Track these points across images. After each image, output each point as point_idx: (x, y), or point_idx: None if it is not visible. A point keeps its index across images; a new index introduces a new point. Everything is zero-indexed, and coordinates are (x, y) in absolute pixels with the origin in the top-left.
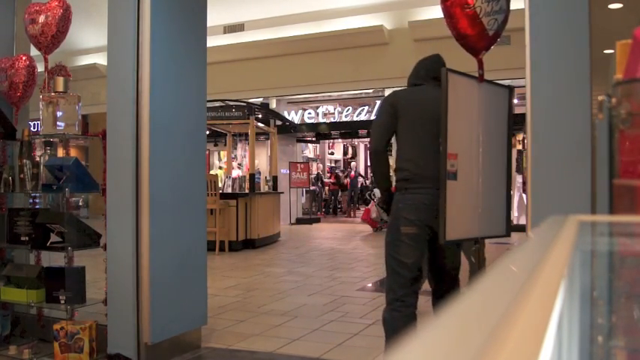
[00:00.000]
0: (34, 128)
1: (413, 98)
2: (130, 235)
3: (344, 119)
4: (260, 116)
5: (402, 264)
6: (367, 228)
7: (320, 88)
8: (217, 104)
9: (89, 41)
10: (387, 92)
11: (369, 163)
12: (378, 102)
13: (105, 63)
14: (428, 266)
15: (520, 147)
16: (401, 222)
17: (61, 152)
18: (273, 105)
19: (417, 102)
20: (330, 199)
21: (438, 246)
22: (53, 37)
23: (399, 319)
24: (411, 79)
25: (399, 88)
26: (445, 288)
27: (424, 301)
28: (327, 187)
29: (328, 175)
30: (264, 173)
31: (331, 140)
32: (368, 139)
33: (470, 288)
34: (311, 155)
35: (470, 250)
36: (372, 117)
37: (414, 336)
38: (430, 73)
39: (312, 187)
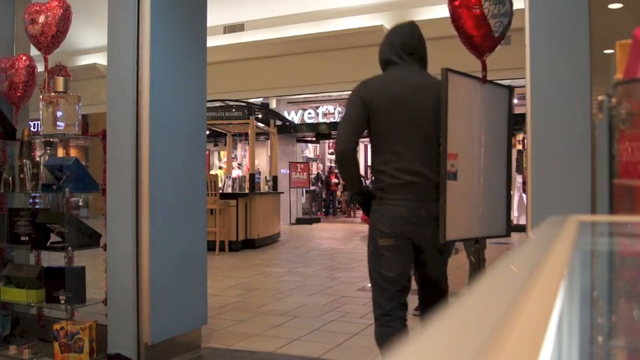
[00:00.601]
0: (34, 128)
1: (387, 89)
2: (130, 235)
3: None
4: (260, 116)
5: (384, 278)
6: (367, 228)
7: (320, 88)
8: (217, 104)
9: (89, 41)
10: None
11: (336, 166)
12: None
13: (105, 63)
14: (415, 275)
15: (520, 147)
16: (377, 234)
17: (61, 152)
18: (273, 105)
19: (392, 94)
20: (329, 199)
21: (421, 256)
22: (53, 37)
23: (389, 335)
24: (384, 53)
25: (370, 77)
26: (432, 297)
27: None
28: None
29: (327, 174)
30: (264, 173)
31: (331, 140)
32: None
33: (470, 288)
34: (311, 155)
35: (470, 250)
36: None
37: (414, 336)
38: (407, 48)
39: (312, 187)
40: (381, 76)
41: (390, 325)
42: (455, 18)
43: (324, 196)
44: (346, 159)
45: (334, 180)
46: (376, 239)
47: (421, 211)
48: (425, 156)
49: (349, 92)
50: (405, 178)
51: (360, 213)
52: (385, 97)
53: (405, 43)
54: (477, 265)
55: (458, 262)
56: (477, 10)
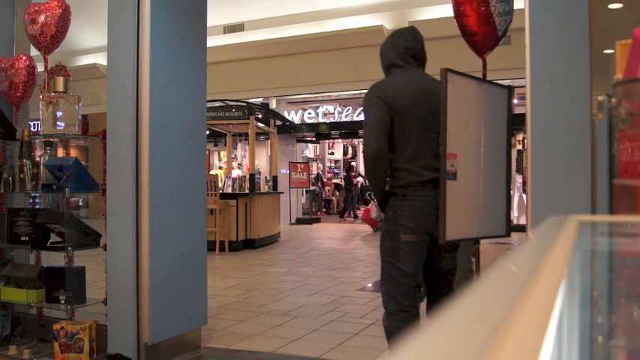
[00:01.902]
0: (34, 128)
1: (405, 90)
2: (130, 235)
3: (344, 119)
4: (260, 116)
5: (403, 272)
6: (367, 228)
7: (320, 88)
8: (217, 104)
9: (89, 41)
10: None
11: (364, 168)
12: None
13: (105, 63)
14: (422, 271)
15: (520, 147)
16: (400, 229)
17: (61, 152)
18: (273, 105)
19: (410, 94)
20: (352, 199)
21: (435, 250)
22: (52, 37)
23: (405, 331)
24: (388, 57)
25: (382, 80)
26: (440, 293)
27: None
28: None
29: (347, 171)
30: (264, 173)
31: (331, 140)
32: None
33: (468, 289)
34: (311, 155)
35: (464, 252)
36: None
37: (415, 336)
38: (410, 51)
39: (312, 187)
40: (393, 79)
41: (407, 321)
42: (459, 14)
43: (324, 195)
44: (380, 159)
45: (359, 179)
46: (398, 234)
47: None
48: (437, 153)
49: (349, 92)
50: (427, 175)
51: (359, 213)
52: (404, 97)
53: (409, 47)
54: (476, 267)
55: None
56: (484, 8)
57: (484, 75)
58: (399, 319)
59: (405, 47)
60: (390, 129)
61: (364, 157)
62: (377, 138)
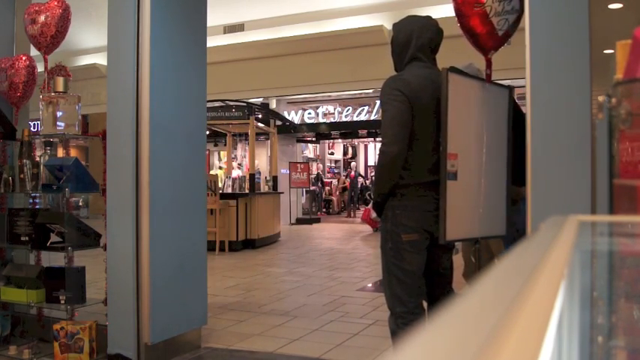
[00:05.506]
0: (34, 128)
1: (427, 90)
2: (130, 235)
3: (344, 119)
4: (260, 116)
5: (407, 272)
6: (367, 228)
7: (320, 88)
8: (217, 104)
9: (89, 41)
10: None
11: (378, 170)
12: (379, 102)
13: (105, 63)
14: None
15: None
16: (401, 229)
17: (61, 152)
18: (273, 105)
19: (429, 94)
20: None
21: (434, 250)
22: (52, 37)
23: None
24: (408, 48)
25: (402, 73)
26: (440, 292)
27: None
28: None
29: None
30: (264, 173)
31: (331, 140)
32: (368, 139)
33: (470, 288)
34: (311, 155)
35: (470, 250)
36: (373, 117)
37: (414, 336)
38: (432, 44)
39: (312, 187)
40: (415, 72)
41: (413, 324)
42: (460, 15)
43: (324, 195)
44: (399, 161)
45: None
46: (399, 234)
47: (439, 204)
48: (439, 156)
49: (349, 92)
50: (428, 177)
51: (359, 213)
52: (426, 95)
53: (433, 39)
54: (477, 266)
55: (458, 262)
56: (479, 9)
57: (488, 76)
58: (406, 322)
59: (429, 39)
60: (411, 125)
61: (383, 157)
62: (400, 138)
